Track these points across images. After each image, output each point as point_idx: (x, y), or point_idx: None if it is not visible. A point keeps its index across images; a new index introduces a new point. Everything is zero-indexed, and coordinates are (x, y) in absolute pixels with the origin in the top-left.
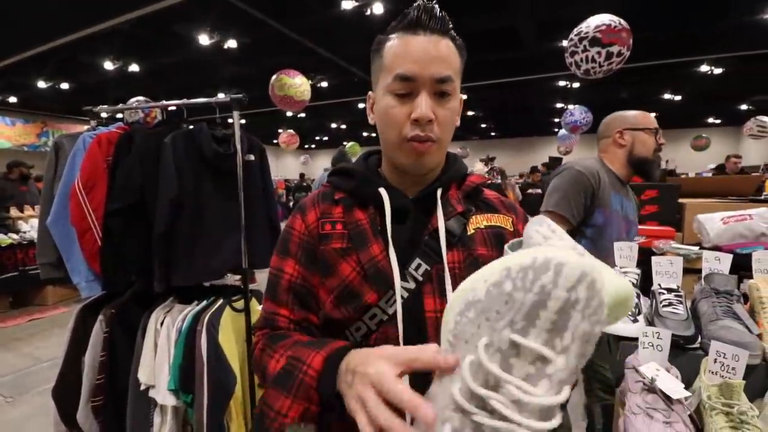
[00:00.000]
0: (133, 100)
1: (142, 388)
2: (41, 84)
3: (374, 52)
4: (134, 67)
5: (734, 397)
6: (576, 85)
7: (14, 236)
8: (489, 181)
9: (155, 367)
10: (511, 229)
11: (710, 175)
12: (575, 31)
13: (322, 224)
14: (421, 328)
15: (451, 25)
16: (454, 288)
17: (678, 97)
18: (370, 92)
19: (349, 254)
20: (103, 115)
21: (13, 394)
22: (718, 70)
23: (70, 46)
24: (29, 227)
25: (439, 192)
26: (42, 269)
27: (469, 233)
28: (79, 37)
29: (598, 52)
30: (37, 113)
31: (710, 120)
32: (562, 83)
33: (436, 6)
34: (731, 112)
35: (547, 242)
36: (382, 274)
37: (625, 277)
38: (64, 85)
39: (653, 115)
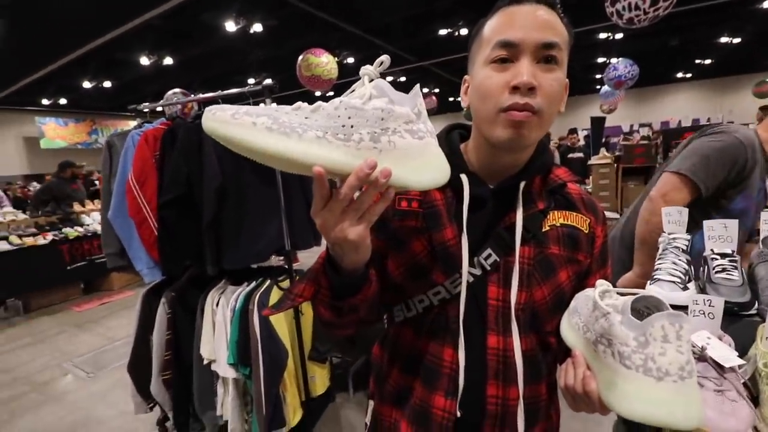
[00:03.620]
0: (170, 92)
1: (205, 362)
2: (86, 84)
3: (473, 38)
4: (168, 60)
5: None
6: (618, 36)
7: (80, 229)
8: (576, 180)
9: (215, 344)
10: (587, 231)
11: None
12: None
13: (399, 200)
14: (482, 311)
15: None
16: (520, 281)
17: (737, 40)
18: (466, 76)
19: (422, 233)
20: (147, 111)
21: (93, 370)
22: None
23: (107, 45)
24: (91, 220)
25: (522, 186)
26: (108, 259)
27: (544, 230)
28: (113, 36)
29: None
30: (86, 112)
31: None
32: (602, 35)
33: None
34: None
35: None
36: (452, 258)
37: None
38: (107, 84)
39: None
